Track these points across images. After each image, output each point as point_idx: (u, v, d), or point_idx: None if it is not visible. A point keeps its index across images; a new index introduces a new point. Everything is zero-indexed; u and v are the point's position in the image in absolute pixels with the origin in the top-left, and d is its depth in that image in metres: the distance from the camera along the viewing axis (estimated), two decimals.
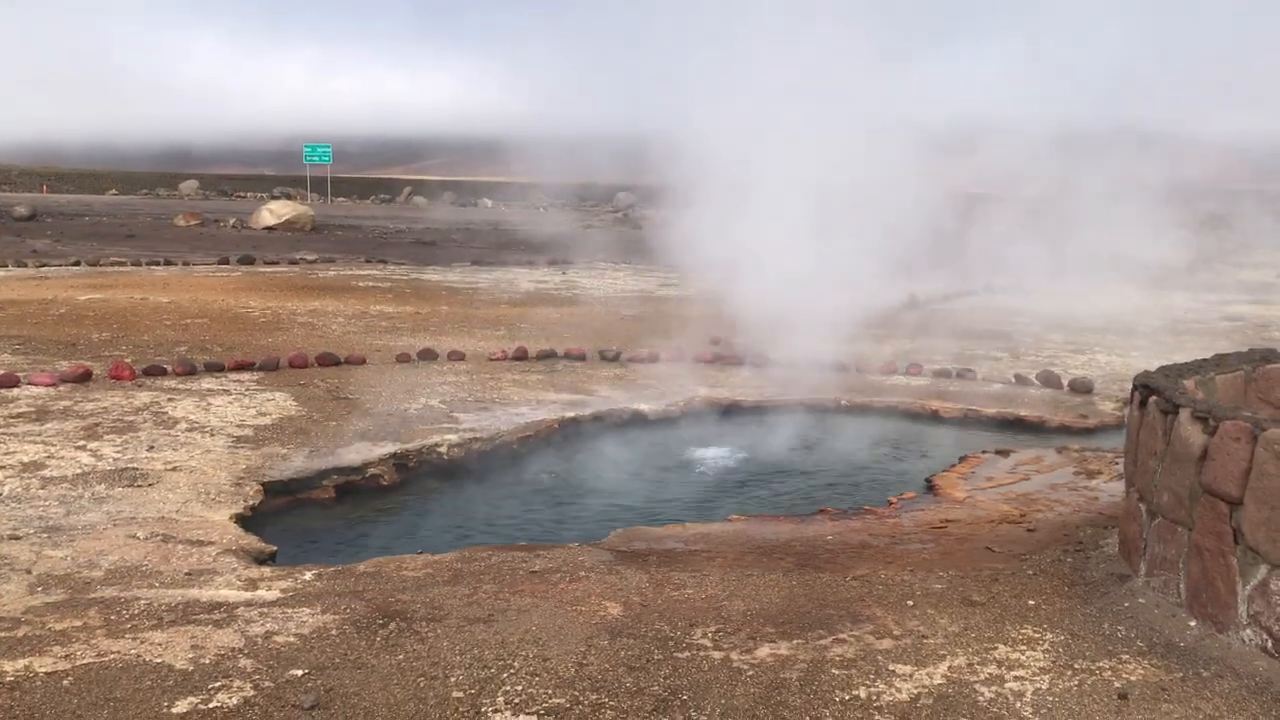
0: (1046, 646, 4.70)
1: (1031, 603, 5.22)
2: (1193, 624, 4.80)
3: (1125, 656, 4.60)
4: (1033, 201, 21.14)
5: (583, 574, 5.65)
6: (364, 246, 31.30)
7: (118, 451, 7.85)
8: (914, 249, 20.02)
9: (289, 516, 7.26)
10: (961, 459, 8.48)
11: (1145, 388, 5.58)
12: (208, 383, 10.39)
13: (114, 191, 67.35)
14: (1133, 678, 4.40)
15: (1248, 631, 4.54)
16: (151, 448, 7.98)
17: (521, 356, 12.16)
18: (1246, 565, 4.55)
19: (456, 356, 12.00)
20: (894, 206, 16.05)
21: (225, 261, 24.54)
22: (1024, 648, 4.69)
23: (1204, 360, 6.53)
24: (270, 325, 14.40)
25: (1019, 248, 20.36)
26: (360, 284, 20.47)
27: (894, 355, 12.67)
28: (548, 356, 12.29)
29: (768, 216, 12.16)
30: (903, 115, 15.79)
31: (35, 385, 9.87)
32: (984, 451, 8.69)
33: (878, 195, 14.75)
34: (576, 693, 4.21)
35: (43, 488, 6.97)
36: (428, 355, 11.96)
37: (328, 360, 11.48)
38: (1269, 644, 4.43)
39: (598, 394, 10.47)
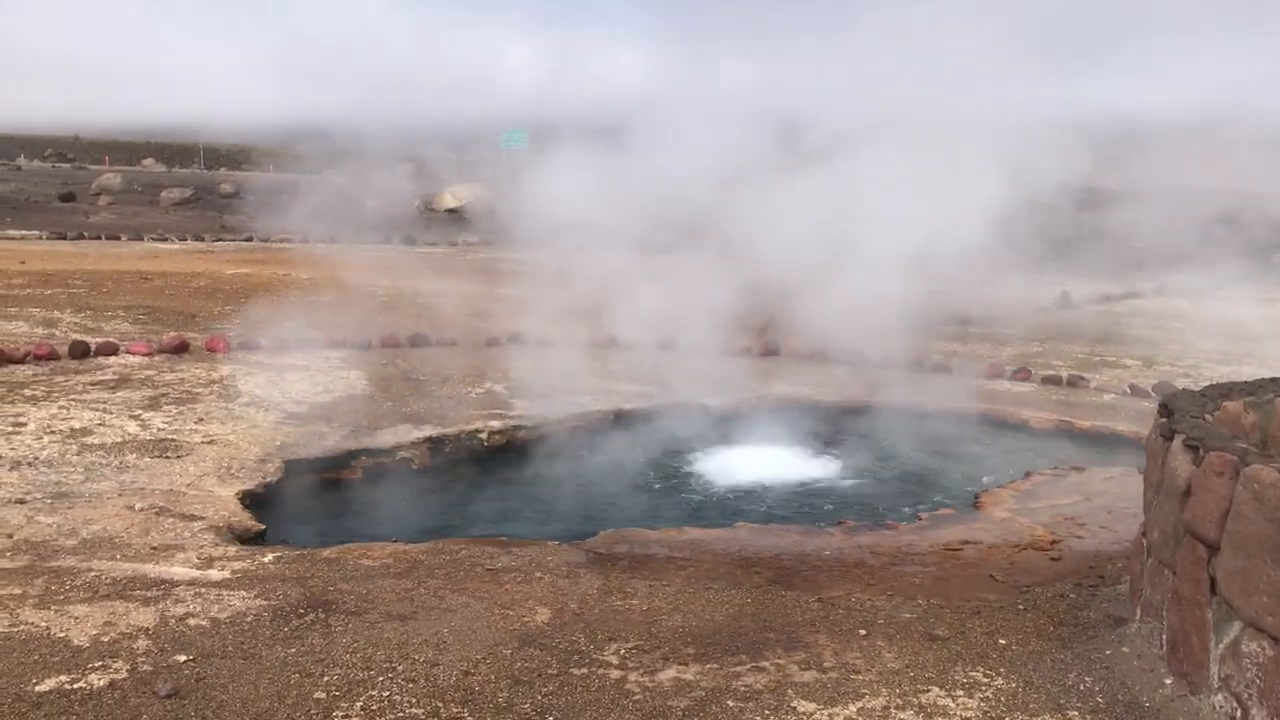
0: (988, 694, 4.17)
1: (1002, 642, 4.67)
2: (1168, 682, 4.18)
3: (1073, 714, 4.03)
4: (1215, 197, 19.57)
5: (539, 574, 5.41)
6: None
7: (166, 422, 8.07)
8: (1072, 245, 18.87)
9: (303, 496, 7.25)
10: (1026, 474, 7.78)
11: (1165, 407, 4.92)
12: (293, 359, 10.64)
13: (330, 172, 70.64)
14: None
15: (1219, 697, 3.90)
16: (201, 420, 8.18)
17: (610, 344, 11.95)
18: (1220, 620, 3.91)
19: (546, 342, 11.90)
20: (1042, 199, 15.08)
21: (388, 241, 25.31)
22: (960, 694, 4.17)
23: (1272, 379, 5.74)
24: (387, 305, 14.70)
25: (1198, 247, 18.88)
26: (502, 267, 20.64)
27: (1011, 358, 11.85)
28: (638, 345, 11.99)
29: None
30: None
31: (132, 354, 10.32)
32: (1055, 467, 7.96)
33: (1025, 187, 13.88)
34: (440, 704, 3.98)
35: (78, 454, 7.23)
36: (517, 339, 11.91)
37: (419, 341, 11.58)
38: (1238, 713, 3.79)
39: (670, 385, 10.13)
